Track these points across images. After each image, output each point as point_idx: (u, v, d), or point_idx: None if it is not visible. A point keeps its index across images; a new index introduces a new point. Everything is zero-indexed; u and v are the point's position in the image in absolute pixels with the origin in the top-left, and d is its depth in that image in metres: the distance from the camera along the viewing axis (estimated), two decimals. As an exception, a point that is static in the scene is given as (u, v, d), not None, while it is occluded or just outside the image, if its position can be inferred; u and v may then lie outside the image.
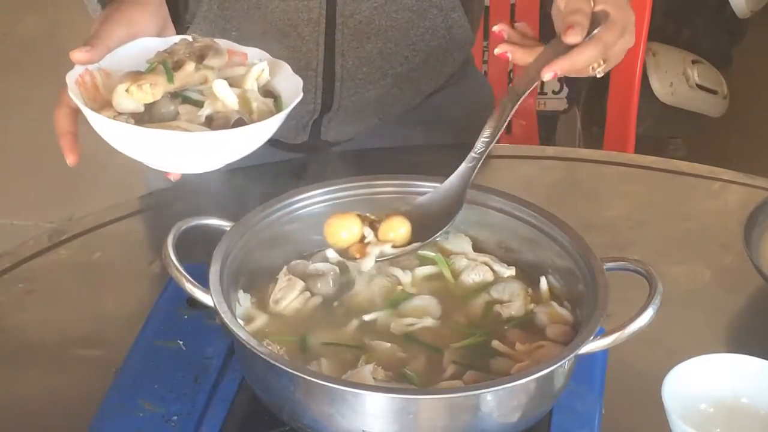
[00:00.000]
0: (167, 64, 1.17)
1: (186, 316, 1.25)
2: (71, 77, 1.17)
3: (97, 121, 1.13)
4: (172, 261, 1.12)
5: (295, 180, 1.39)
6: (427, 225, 1.19)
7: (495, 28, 1.23)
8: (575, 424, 1.13)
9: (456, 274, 1.22)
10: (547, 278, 1.20)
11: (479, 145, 1.19)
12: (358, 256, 1.17)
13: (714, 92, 3.08)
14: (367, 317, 1.16)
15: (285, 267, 1.21)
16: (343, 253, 1.18)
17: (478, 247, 1.25)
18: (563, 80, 2.59)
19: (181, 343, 1.22)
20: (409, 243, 1.18)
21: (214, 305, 1.08)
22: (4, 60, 3.93)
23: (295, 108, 1.18)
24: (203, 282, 1.11)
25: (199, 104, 1.16)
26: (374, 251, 1.17)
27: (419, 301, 1.19)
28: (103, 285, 1.39)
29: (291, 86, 1.21)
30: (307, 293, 1.19)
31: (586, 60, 1.18)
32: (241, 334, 1.06)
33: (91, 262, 1.42)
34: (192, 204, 1.35)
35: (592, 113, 2.76)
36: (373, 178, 1.26)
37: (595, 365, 1.18)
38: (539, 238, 1.21)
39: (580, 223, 1.21)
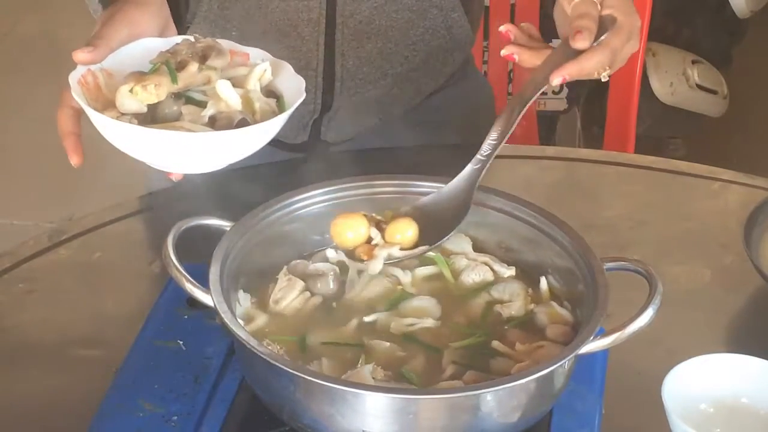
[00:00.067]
0: (170, 64, 1.17)
1: (186, 316, 1.25)
2: (74, 77, 1.16)
3: (101, 122, 1.13)
4: (172, 261, 1.12)
5: (295, 180, 1.38)
6: (432, 227, 1.19)
7: (501, 28, 1.22)
8: (575, 424, 1.13)
9: (456, 274, 1.22)
10: (547, 278, 1.20)
11: (486, 147, 1.18)
12: (365, 258, 1.17)
13: (714, 92, 3.08)
14: (367, 317, 1.16)
15: (285, 267, 1.21)
16: (350, 254, 1.18)
17: (478, 247, 1.25)
18: (564, 81, 2.58)
19: (181, 343, 1.22)
20: (415, 245, 1.18)
21: (214, 305, 1.08)
22: (4, 60, 3.93)
23: (295, 108, 1.18)
24: (203, 282, 1.11)
25: (202, 104, 1.16)
26: (382, 254, 1.17)
27: (419, 301, 1.19)
28: (103, 285, 1.39)
29: (293, 86, 1.21)
30: (307, 293, 1.19)
31: (594, 65, 1.18)
32: (241, 334, 1.06)
33: (91, 262, 1.42)
34: (192, 204, 1.35)
35: (592, 113, 2.76)
36: (373, 178, 1.25)
37: (595, 365, 1.18)
38: (539, 238, 1.21)
39: (580, 223, 1.21)
